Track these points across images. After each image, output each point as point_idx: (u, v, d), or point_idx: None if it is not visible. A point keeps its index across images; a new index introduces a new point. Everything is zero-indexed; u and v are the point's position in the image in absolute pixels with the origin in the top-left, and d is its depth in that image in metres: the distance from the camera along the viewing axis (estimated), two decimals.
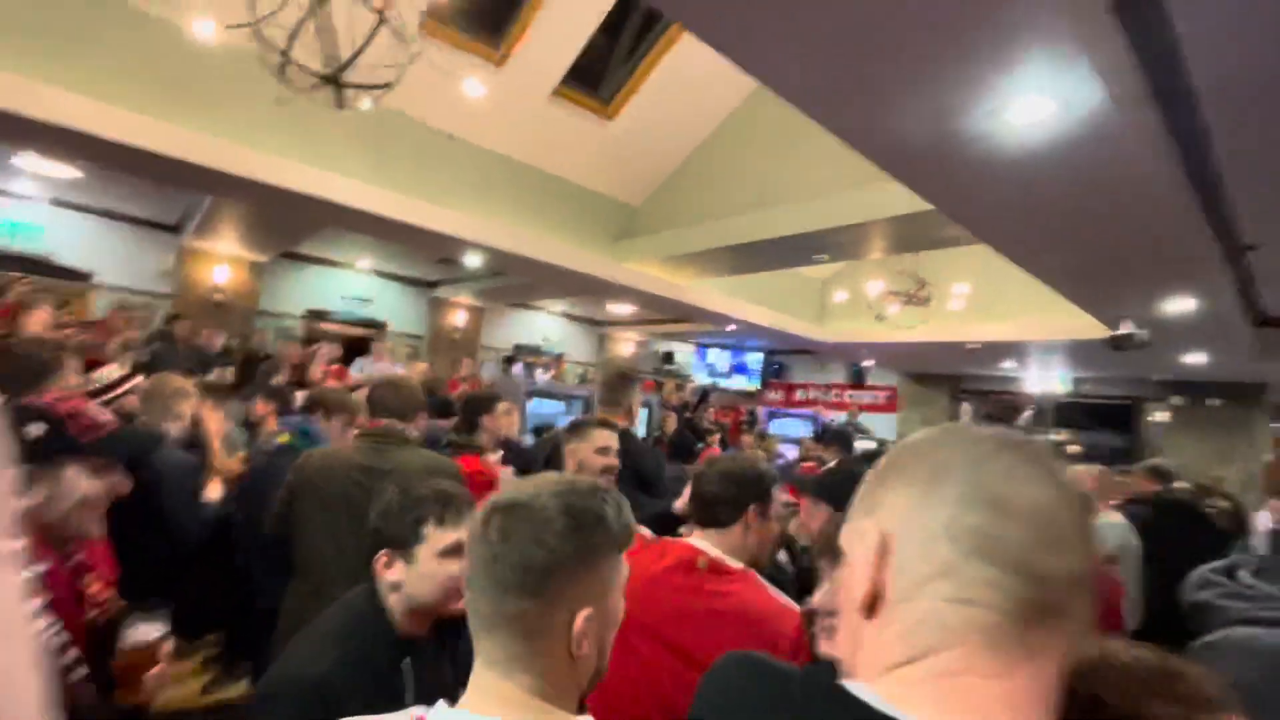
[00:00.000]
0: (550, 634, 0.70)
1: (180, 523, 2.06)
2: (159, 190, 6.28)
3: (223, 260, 7.44)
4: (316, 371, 5.26)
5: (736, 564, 1.26)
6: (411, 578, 1.17)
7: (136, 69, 4.06)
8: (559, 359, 10.42)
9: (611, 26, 5.26)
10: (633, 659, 1.15)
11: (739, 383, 12.41)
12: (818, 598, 1.04)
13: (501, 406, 3.06)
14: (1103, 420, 9.16)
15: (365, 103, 3.14)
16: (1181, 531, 3.03)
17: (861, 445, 6.25)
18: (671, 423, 7.02)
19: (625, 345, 12.35)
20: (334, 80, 2.49)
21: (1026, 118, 2.34)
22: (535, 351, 10.66)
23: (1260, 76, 2.44)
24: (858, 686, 0.45)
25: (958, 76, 2.13)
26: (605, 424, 2.09)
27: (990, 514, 0.46)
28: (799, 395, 12.45)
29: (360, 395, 3.18)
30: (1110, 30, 2.16)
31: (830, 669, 0.49)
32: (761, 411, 10.55)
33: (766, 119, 5.67)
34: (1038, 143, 2.50)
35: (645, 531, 1.37)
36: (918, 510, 0.48)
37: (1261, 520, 4.24)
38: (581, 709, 0.75)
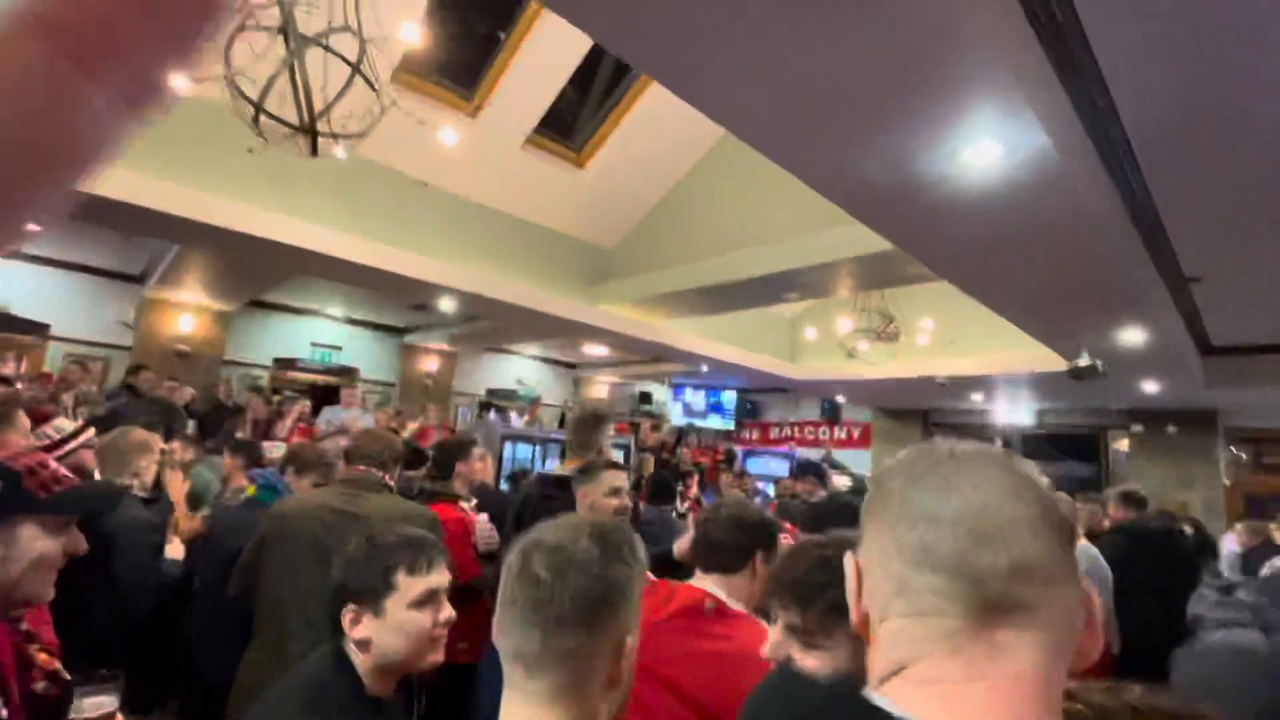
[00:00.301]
0: (597, 664, 0.74)
1: (134, 585, 1.95)
2: (123, 240, 6.19)
3: (187, 310, 7.29)
4: (284, 429, 5.14)
5: (741, 608, 1.28)
6: (382, 632, 1.10)
7: None
8: (534, 403, 10.34)
9: (582, 77, 5.44)
10: (636, 704, 1.13)
11: (715, 422, 12.42)
12: (767, 649, 1.00)
13: (476, 452, 3.02)
14: (1069, 450, 9.38)
15: (339, 151, 3.18)
16: (1155, 559, 3.07)
17: (838, 480, 6.28)
18: (649, 464, 6.97)
19: (601, 387, 12.33)
20: (308, 130, 2.51)
21: (979, 162, 2.47)
22: (510, 396, 10.56)
23: (1185, 128, 2.63)
24: (872, 694, 0.48)
25: (913, 124, 2.25)
26: (614, 465, 2.10)
27: (925, 526, 0.49)
28: (774, 433, 12.51)
29: (328, 446, 3.11)
30: (1051, 83, 2.31)
31: (856, 680, 0.52)
32: (739, 450, 10.55)
33: (736, 163, 5.87)
34: (990, 186, 2.63)
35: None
36: (876, 537, 0.53)
37: (1227, 544, 4.36)
38: None
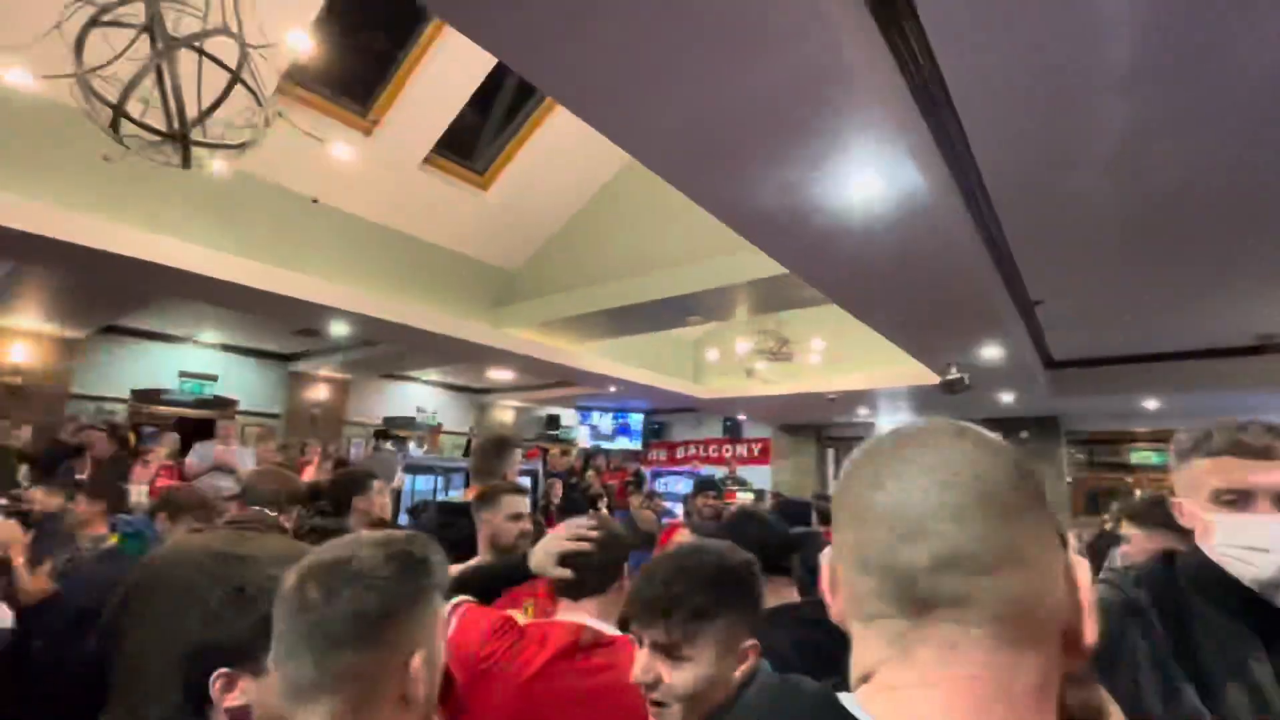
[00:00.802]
0: (384, 685, 0.70)
1: None
2: None
3: (20, 336, 6.37)
4: (147, 471, 4.59)
5: (613, 631, 1.23)
6: (265, 694, 0.91)
7: None
8: (435, 430, 9.91)
9: (485, 98, 5.39)
10: None
11: (622, 444, 12.48)
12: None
13: (376, 485, 2.84)
14: None
15: (217, 164, 2.94)
16: None
17: (742, 496, 6.49)
18: (558, 489, 6.87)
19: (506, 412, 12.04)
20: (180, 138, 2.31)
21: (862, 194, 2.71)
22: (409, 424, 10.06)
23: (1025, 173, 3.03)
24: (849, 698, 0.46)
25: (803, 155, 2.43)
26: (515, 489, 1.99)
27: (857, 527, 0.48)
28: (680, 453, 12.75)
29: (203, 487, 2.81)
30: (919, 125, 2.59)
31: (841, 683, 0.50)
32: (647, 471, 10.65)
33: (640, 188, 6.02)
34: (872, 216, 2.89)
35: (517, 614, 1.28)
36: (836, 542, 0.52)
37: (1119, 556, 4.91)
38: None
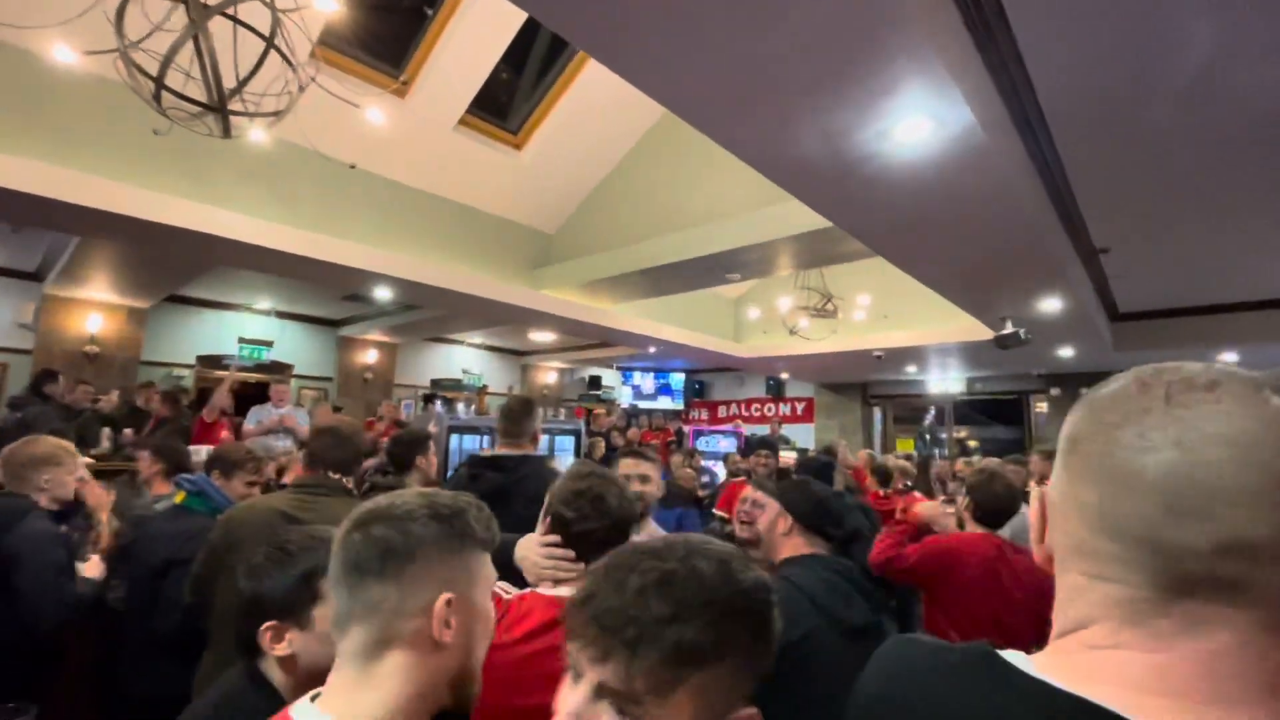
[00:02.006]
0: (408, 621, 0.71)
1: (36, 604, 1.81)
2: (15, 234, 5.66)
3: (95, 308, 6.75)
4: (213, 411, 4.91)
5: None
6: (311, 645, 0.99)
7: None
8: (481, 392, 10.15)
9: (516, 55, 5.29)
10: None
11: (664, 403, 12.54)
12: None
13: (432, 446, 2.95)
14: (995, 415, 9.95)
15: (256, 132, 2.98)
16: None
17: (785, 455, 6.46)
18: (600, 448, 6.98)
19: (548, 374, 12.21)
20: (218, 109, 2.34)
21: (910, 138, 2.55)
22: (455, 386, 10.33)
23: (1093, 104, 2.79)
24: (1014, 655, 0.45)
25: (847, 100, 2.29)
26: (635, 453, 2.06)
27: (1108, 486, 0.43)
28: (721, 412, 12.73)
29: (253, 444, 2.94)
30: (973, 59, 2.40)
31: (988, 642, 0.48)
32: (688, 430, 10.69)
33: (675, 143, 5.86)
34: (920, 161, 2.72)
35: (501, 588, 1.20)
36: (1059, 481, 0.48)
37: None
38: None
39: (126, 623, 2.10)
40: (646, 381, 12.61)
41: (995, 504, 2.22)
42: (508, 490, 1.92)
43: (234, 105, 2.58)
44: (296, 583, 1.01)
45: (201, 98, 2.48)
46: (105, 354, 6.76)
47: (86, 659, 2.28)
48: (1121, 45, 2.41)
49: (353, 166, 4.32)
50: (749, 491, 1.66)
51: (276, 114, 2.52)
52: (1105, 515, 0.43)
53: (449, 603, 0.73)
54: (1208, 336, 6.20)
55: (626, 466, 1.96)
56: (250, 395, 7.37)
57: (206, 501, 2.07)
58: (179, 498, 2.11)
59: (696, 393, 13.10)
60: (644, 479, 1.93)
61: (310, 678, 0.98)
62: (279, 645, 0.98)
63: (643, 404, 12.26)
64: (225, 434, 4.94)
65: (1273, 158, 3.19)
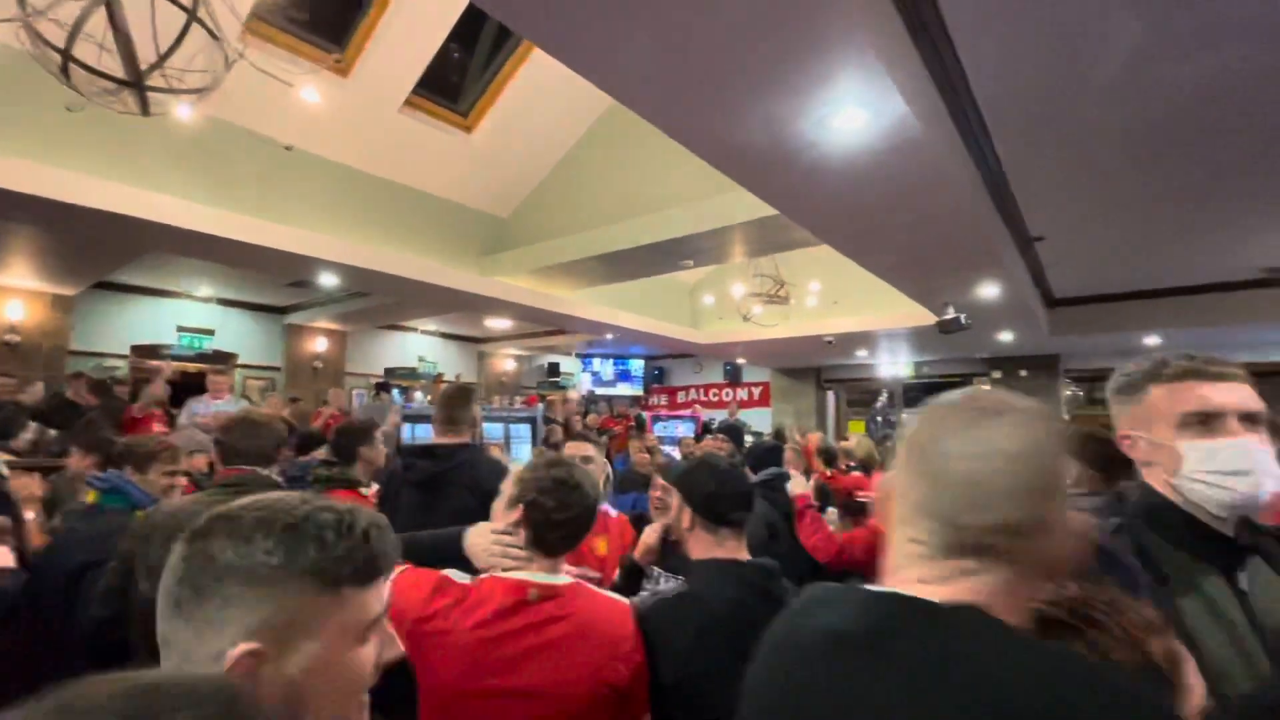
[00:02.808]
0: (211, 668, 0.55)
1: None
2: None
3: (14, 295, 6.36)
4: (141, 406, 4.70)
5: (563, 579, 1.21)
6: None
7: None
8: (437, 380, 9.98)
9: (465, 34, 5.16)
10: None
11: (624, 389, 12.57)
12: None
13: (378, 435, 2.89)
14: None
15: (182, 109, 2.84)
16: None
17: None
18: (558, 433, 6.96)
19: (506, 361, 12.08)
20: (134, 84, 2.22)
21: (847, 128, 2.59)
22: (410, 374, 10.13)
23: (1026, 98, 2.89)
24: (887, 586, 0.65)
25: (784, 88, 2.32)
26: (579, 436, 2.07)
27: (929, 482, 0.64)
28: (680, 397, 12.85)
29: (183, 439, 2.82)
30: (908, 50, 2.46)
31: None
32: (647, 416, 10.76)
33: (629, 129, 5.82)
34: (858, 150, 2.78)
35: (453, 574, 1.22)
36: (901, 472, 0.67)
37: None
38: None
39: (42, 630, 2.01)
40: (606, 368, 12.61)
41: None
42: (441, 479, 1.91)
43: (155, 81, 2.45)
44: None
45: (119, 73, 2.35)
46: (28, 343, 6.38)
47: (6, 665, 2.18)
48: (1051, 39, 2.50)
49: (289, 148, 4.16)
50: (658, 479, 1.57)
51: (200, 91, 2.40)
52: (929, 502, 0.63)
53: (248, 654, 0.55)
54: (1134, 321, 6.55)
55: (572, 449, 2.03)
56: (191, 387, 7.08)
57: (124, 498, 1.98)
58: (90, 496, 2.01)
59: (656, 378, 13.17)
60: (586, 460, 1.96)
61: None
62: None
63: (602, 390, 12.26)
64: (159, 428, 4.74)
65: (1191, 151, 3.37)
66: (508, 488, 1.28)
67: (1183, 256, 5.35)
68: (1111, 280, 6.19)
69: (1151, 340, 7.28)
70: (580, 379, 12.44)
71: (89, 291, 7.00)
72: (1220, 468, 0.91)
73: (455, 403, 2.14)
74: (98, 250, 5.63)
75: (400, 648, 0.66)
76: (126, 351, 7.53)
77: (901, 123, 2.56)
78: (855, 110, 2.46)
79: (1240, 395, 0.94)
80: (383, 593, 0.65)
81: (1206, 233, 4.69)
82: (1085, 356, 8.82)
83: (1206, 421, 0.93)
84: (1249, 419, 0.93)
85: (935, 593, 0.60)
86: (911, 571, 0.63)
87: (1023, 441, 0.61)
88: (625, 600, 1.24)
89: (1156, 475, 0.98)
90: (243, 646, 0.55)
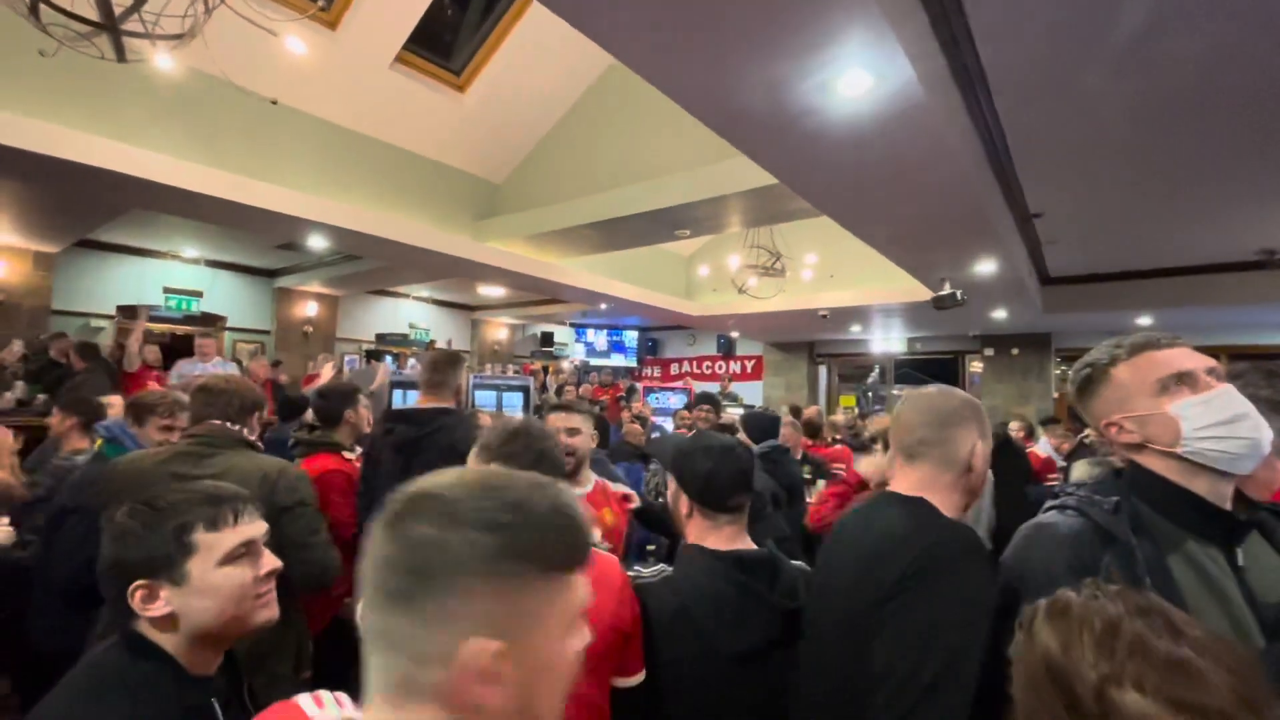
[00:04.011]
0: (439, 667, 0.52)
1: None
2: None
3: None
4: (132, 361, 4.66)
5: None
6: (189, 599, 0.94)
7: None
8: (429, 346, 9.93)
9: None
10: None
11: (617, 360, 12.55)
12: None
13: (362, 399, 2.86)
14: (934, 373, 10.37)
15: (160, 58, 2.73)
16: (1006, 462, 3.51)
17: (732, 410, 6.59)
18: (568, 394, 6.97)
19: (499, 329, 12.02)
20: (109, 27, 2.12)
21: (850, 93, 2.52)
22: (402, 340, 10.07)
23: (1032, 67, 2.82)
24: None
25: (785, 48, 2.25)
26: (562, 406, 2.01)
27: (896, 425, 1.25)
28: (674, 370, 12.85)
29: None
30: (915, 11, 2.38)
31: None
32: (640, 386, 10.78)
33: (625, 94, 5.69)
34: (859, 117, 2.71)
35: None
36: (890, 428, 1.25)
37: (1042, 446, 5.05)
38: None
39: (34, 577, 2.02)
40: (600, 339, 12.57)
41: None
42: (419, 442, 1.90)
43: (131, 26, 2.34)
44: (164, 539, 0.95)
45: (93, 15, 2.24)
46: (9, 302, 6.27)
47: None
48: (1060, 5, 2.42)
49: (274, 102, 4.03)
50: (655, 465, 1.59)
51: (179, 38, 2.30)
52: (895, 434, 1.24)
53: (496, 655, 0.52)
54: (1127, 300, 6.56)
55: (556, 420, 1.94)
56: (181, 349, 7.00)
57: (121, 448, 1.98)
58: (97, 444, 2.02)
59: (649, 350, 13.15)
60: (572, 431, 1.92)
61: (200, 634, 0.95)
62: (153, 605, 0.93)
63: (596, 361, 12.24)
64: (154, 385, 4.69)
65: (1193, 129, 3.32)
66: (472, 459, 1.30)
67: (1179, 237, 5.33)
68: (1106, 260, 6.17)
69: (1144, 320, 7.31)
70: (574, 349, 12.40)
71: (72, 250, 6.86)
72: (1219, 418, 0.90)
73: (439, 367, 2.11)
74: (80, 207, 5.49)
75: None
76: (111, 312, 7.42)
77: (906, 88, 2.50)
78: (859, 73, 2.39)
79: (1196, 356, 0.96)
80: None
81: (1204, 213, 4.66)
82: (1076, 336, 8.85)
83: (1183, 380, 0.93)
84: (1213, 374, 0.95)
85: (897, 484, 1.18)
86: (896, 474, 1.20)
87: (932, 398, 1.20)
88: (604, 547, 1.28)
89: (1151, 454, 0.96)
90: (487, 645, 0.51)
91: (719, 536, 1.29)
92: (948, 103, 2.89)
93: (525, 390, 7.02)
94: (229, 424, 1.77)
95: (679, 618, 1.21)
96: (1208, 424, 0.90)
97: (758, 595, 1.22)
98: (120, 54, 2.19)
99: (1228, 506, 0.92)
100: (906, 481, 1.15)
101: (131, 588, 0.93)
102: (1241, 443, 0.89)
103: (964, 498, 1.14)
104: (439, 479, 0.58)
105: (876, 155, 3.11)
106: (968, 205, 3.82)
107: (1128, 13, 2.43)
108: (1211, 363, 0.96)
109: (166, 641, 0.94)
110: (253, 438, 1.88)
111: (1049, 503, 1.06)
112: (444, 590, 0.52)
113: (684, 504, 1.32)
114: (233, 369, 5.04)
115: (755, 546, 1.32)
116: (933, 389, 1.22)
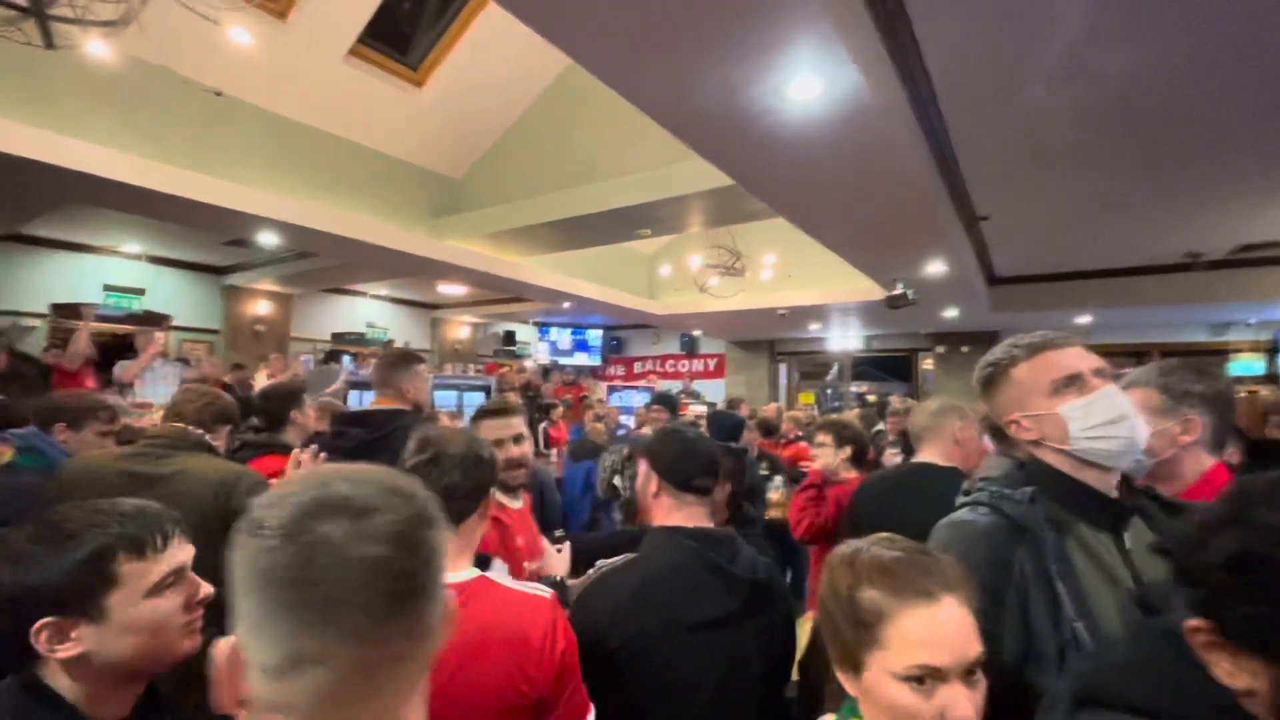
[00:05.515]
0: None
1: None
2: None
3: None
4: (75, 359, 4.44)
5: (468, 569, 1.08)
6: (107, 639, 0.81)
7: None
8: (386, 345, 9.72)
9: None
10: None
11: (581, 359, 12.52)
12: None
13: (308, 399, 2.80)
14: (889, 371, 10.66)
15: (95, 45, 2.62)
16: None
17: (693, 408, 6.65)
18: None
19: (461, 328, 11.84)
20: (35, 12, 2.02)
21: (801, 97, 2.58)
22: (359, 340, 9.83)
23: (977, 76, 2.93)
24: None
25: (738, 52, 2.29)
26: (493, 411, 1.76)
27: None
28: (637, 368, 12.89)
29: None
30: (862, 18, 2.45)
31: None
32: (603, 386, 10.78)
33: (585, 92, 5.68)
34: (811, 121, 2.78)
35: None
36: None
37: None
38: None
39: None
40: (564, 338, 12.51)
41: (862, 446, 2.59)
42: (373, 447, 1.87)
43: (61, 11, 2.24)
44: (83, 570, 0.81)
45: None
46: None
47: None
48: (1002, 16, 2.53)
49: (218, 94, 3.90)
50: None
51: (112, 24, 2.21)
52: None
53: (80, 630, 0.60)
54: (1068, 300, 6.87)
55: (494, 428, 1.71)
56: (121, 348, 6.69)
57: (38, 457, 1.88)
58: (7, 454, 1.90)
59: (614, 349, 13.15)
60: (518, 439, 1.72)
61: (114, 674, 0.82)
62: (63, 646, 0.79)
63: (560, 360, 12.18)
64: (92, 385, 4.49)
65: (1128, 137, 3.50)
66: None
67: (1116, 239, 5.61)
68: (1050, 260, 6.45)
69: (1084, 319, 7.66)
70: (537, 348, 12.31)
71: (1, 245, 6.49)
72: (1098, 420, 0.98)
73: (390, 366, 2.08)
74: (9, 200, 5.19)
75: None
76: (45, 310, 7.05)
77: (856, 94, 2.57)
78: (810, 78, 2.45)
79: (1087, 357, 1.03)
80: None
81: (1139, 217, 4.92)
82: (1024, 332, 9.20)
83: (1072, 383, 1.01)
84: (1099, 374, 1.02)
85: (922, 454, 2.06)
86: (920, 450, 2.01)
87: (927, 404, 1.84)
88: (544, 591, 1.11)
89: (1047, 449, 1.04)
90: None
91: (684, 515, 1.32)
92: (896, 108, 2.99)
93: (487, 390, 6.95)
94: (193, 428, 1.73)
95: (641, 594, 1.21)
96: (1090, 425, 0.99)
97: (717, 568, 1.25)
98: (48, 40, 2.09)
99: (1114, 495, 1.00)
100: (928, 454, 2.06)
101: (36, 627, 0.78)
102: (1119, 441, 0.98)
103: (964, 459, 2.03)
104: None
105: (828, 158, 3.19)
106: (917, 207, 3.95)
107: (1063, 25, 2.55)
108: (1099, 363, 1.03)
109: (71, 689, 0.80)
110: (217, 444, 1.84)
111: (960, 499, 1.11)
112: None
113: (653, 484, 1.35)
114: (174, 370, 4.85)
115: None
116: (932, 402, 2.14)
